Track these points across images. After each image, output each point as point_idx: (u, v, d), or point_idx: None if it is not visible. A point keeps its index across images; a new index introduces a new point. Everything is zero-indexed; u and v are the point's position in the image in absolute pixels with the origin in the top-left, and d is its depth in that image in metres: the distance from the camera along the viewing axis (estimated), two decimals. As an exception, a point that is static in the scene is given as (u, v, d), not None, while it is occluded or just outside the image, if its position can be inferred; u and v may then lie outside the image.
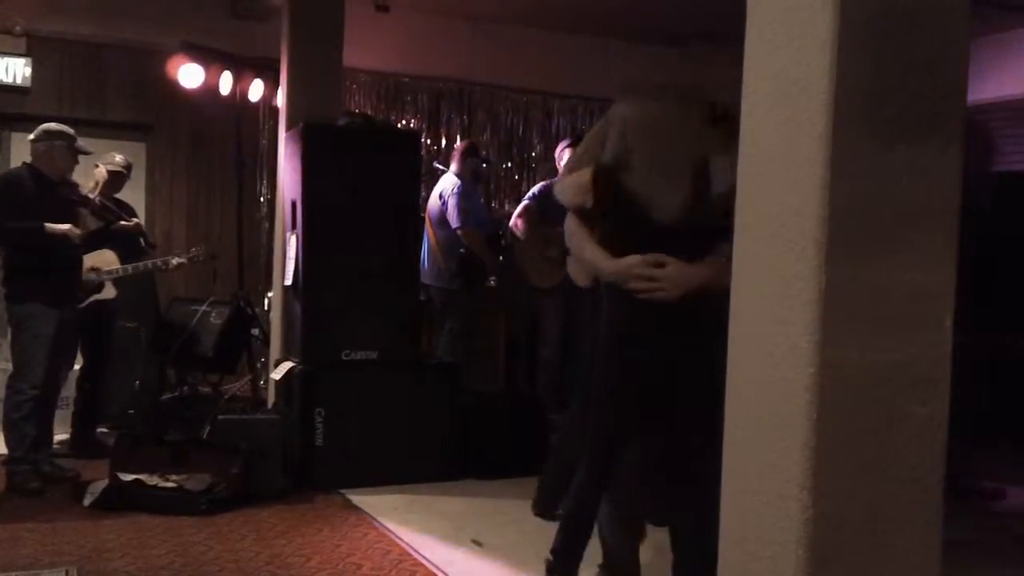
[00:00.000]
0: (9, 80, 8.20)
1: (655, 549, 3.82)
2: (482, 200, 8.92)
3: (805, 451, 2.16)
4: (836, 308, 2.15)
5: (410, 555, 4.59)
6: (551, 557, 3.64)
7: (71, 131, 5.86)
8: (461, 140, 9.71)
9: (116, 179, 6.90)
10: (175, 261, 6.88)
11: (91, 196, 6.40)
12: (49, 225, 5.61)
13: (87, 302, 6.31)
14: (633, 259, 3.38)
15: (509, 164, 10.24)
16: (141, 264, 6.75)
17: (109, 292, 6.59)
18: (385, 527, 5.04)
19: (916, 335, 2.23)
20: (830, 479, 2.16)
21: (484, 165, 8.50)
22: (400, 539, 4.83)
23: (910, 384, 2.23)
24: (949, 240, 2.25)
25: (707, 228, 3.24)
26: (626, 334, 3.53)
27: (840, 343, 2.16)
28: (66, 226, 5.67)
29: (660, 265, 3.31)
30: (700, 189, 3.29)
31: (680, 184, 3.32)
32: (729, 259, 2.91)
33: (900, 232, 2.21)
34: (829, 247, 2.13)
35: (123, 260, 6.65)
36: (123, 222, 6.59)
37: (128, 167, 7.00)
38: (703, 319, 3.23)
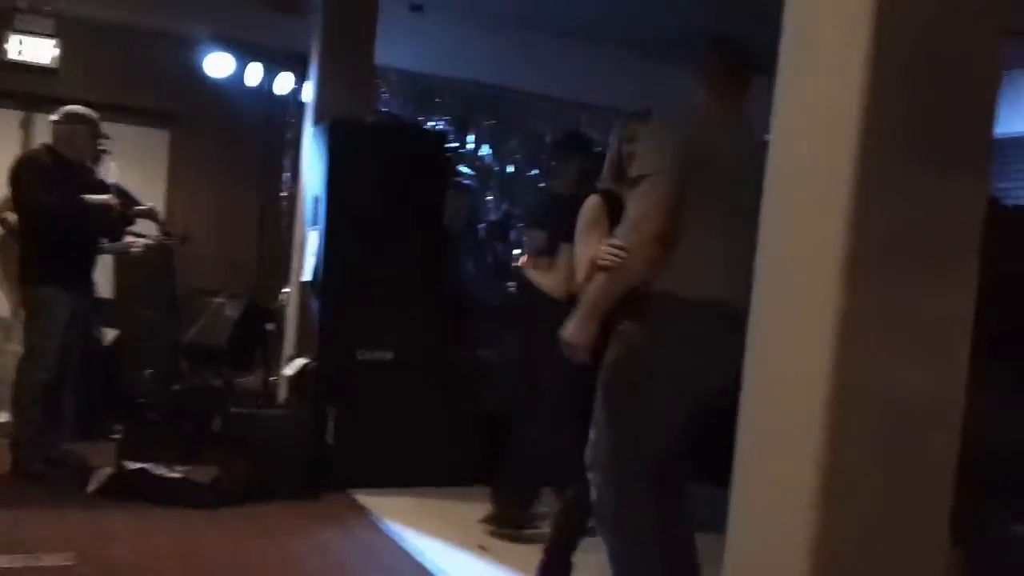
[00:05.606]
0: (37, 61, 8.17)
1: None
2: None
3: (816, 470, 2.16)
4: (855, 332, 2.14)
5: (413, 559, 4.56)
6: None
7: (94, 115, 5.82)
8: (489, 144, 9.77)
9: None
10: (141, 242, 6.81)
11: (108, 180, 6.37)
12: (88, 196, 5.59)
13: None
14: None
15: (536, 171, 10.21)
16: (106, 247, 6.68)
17: None
18: (391, 530, 5.00)
19: (933, 362, 2.23)
20: (839, 500, 2.17)
21: None
22: (405, 543, 4.80)
23: (924, 411, 2.23)
24: (970, 268, 2.25)
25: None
26: None
27: (857, 367, 2.15)
28: (103, 196, 5.65)
29: None
30: None
31: None
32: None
33: (924, 259, 2.22)
34: (851, 272, 2.13)
35: None
36: (138, 207, 6.56)
37: None
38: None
